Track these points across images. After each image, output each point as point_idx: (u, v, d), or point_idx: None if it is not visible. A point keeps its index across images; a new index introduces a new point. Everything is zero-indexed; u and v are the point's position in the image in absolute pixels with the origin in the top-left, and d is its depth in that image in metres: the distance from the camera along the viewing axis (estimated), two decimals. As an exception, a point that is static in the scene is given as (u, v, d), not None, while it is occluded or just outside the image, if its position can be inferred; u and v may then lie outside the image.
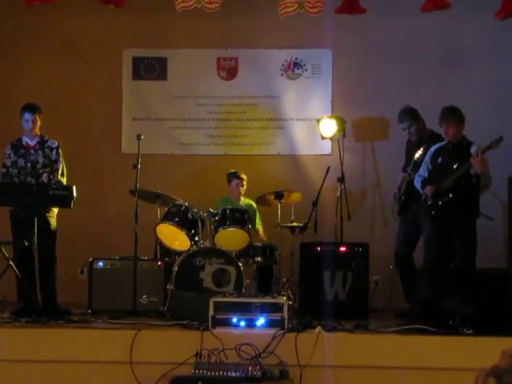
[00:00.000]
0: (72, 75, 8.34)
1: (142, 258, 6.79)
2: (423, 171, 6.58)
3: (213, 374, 5.01)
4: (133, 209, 6.58)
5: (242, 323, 5.52)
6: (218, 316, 5.50)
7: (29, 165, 6.61)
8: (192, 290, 6.36)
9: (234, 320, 5.52)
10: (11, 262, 6.19)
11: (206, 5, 6.96)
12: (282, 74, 8.39)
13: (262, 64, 8.40)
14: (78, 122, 8.30)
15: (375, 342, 5.43)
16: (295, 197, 7.46)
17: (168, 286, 6.58)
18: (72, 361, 5.37)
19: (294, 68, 8.38)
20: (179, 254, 6.82)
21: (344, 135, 8.03)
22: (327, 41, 8.06)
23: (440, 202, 6.30)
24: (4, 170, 6.65)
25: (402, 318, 6.32)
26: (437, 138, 6.78)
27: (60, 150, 6.69)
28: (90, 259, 6.88)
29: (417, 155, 6.85)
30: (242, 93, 8.41)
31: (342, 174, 7.65)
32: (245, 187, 7.68)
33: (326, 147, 8.29)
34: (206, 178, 8.15)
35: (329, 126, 8.00)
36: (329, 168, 7.54)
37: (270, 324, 5.48)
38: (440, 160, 6.45)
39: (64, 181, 6.66)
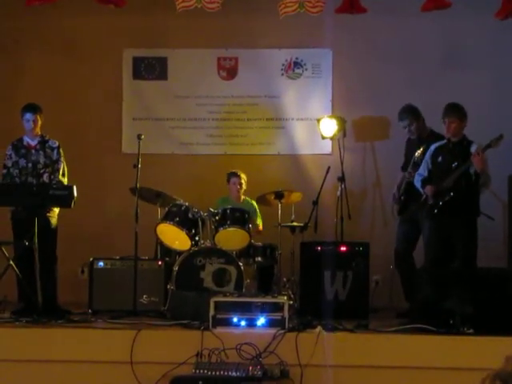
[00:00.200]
0: (72, 75, 8.35)
1: (143, 257, 6.78)
2: (423, 170, 6.58)
3: (213, 373, 5.01)
4: (133, 208, 6.58)
5: (243, 323, 5.52)
6: (218, 316, 5.50)
7: (30, 165, 6.61)
8: (192, 290, 6.36)
9: (235, 320, 5.52)
10: (12, 262, 6.19)
11: (206, 5, 6.96)
12: (282, 74, 8.39)
13: (263, 64, 8.40)
14: (78, 122, 8.30)
15: (375, 342, 5.43)
16: (295, 196, 7.46)
17: (168, 286, 6.58)
18: (72, 361, 5.37)
19: (294, 68, 8.38)
20: (180, 253, 6.82)
21: (344, 135, 8.03)
22: (327, 40, 8.06)
23: (441, 202, 6.30)
24: (5, 170, 6.65)
25: (403, 317, 6.31)
26: (436, 137, 6.79)
27: (61, 150, 6.69)
28: (91, 259, 6.87)
29: (416, 154, 6.85)
30: (243, 92, 8.41)
31: (343, 173, 7.65)
32: (244, 186, 7.68)
33: (327, 147, 8.30)
34: (207, 178, 8.15)
35: (329, 126, 8.01)
36: (329, 168, 7.54)
37: (271, 324, 5.48)
38: (440, 159, 6.45)
39: (65, 181, 6.66)
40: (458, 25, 8.00)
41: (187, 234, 6.76)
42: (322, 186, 7.43)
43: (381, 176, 8.26)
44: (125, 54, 8.44)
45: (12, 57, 8.37)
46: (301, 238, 7.22)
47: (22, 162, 6.63)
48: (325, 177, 7.47)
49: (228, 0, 7.01)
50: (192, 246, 6.78)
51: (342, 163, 7.69)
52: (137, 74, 8.46)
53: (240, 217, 6.90)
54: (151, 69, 8.46)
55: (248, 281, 6.75)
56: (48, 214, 6.48)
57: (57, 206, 6.51)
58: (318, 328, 5.59)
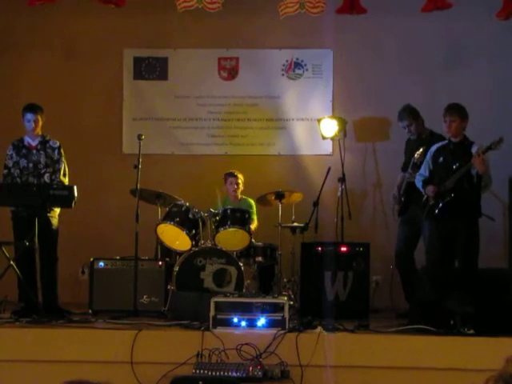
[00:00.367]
0: (72, 75, 8.34)
1: (143, 258, 6.79)
2: (424, 171, 6.58)
3: (214, 374, 5.02)
4: (133, 209, 6.58)
5: (243, 323, 5.53)
6: (218, 316, 5.50)
7: (31, 165, 6.61)
8: (193, 290, 6.37)
9: (235, 320, 5.53)
10: (12, 262, 6.19)
11: (207, 5, 6.96)
12: (282, 74, 8.39)
13: (263, 64, 8.40)
14: (78, 122, 8.30)
15: (376, 342, 5.43)
16: (296, 197, 7.46)
17: (169, 286, 6.58)
18: (73, 361, 5.37)
19: (294, 68, 8.38)
20: (180, 254, 6.82)
21: (345, 135, 8.03)
22: (328, 41, 8.07)
23: (441, 203, 6.30)
24: (6, 170, 6.64)
25: (403, 317, 6.31)
26: (436, 137, 6.80)
27: (62, 150, 6.69)
28: (91, 259, 6.87)
29: (416, 155, 6.84)
30: (243, 93, 8.41)
31: (343, 174, 7.64)
32: (241, 186, 7.67)
33: (327, 147, 8.29)
34: (207, 178, 8.14)
35: (329, 126, 8.00)
36: (329, 168, 7.53)
37: (271, 324, 5.48)
38: (441, 159, 6.44)
39: (66, 181, 6.66)
40: (458, 25, 8.01)
41: (187, 234, 6.75)
42: (323, 186, 7.43)
43: (381, 176, 8.26)
44: (125, 54, 8.44)
45: (12, 57, 8.36)
46: (301, 238, 7.22)
47: (23, 162, 6.63)
48: (325, 177, 7.46)
49: (229, 0, 7.01)
50: (192, 246, 6.78)
51: (342, 164, 7.68)
52: (137, 74, 8.46)
53: (240, 217, 6.90)
54: (152, 69, 8.45)
55: (248, 281, 6.76)
56: (49, 215, 6.47)
57: (57, 206, 6.51)
58: (319, 328, 5.60)
